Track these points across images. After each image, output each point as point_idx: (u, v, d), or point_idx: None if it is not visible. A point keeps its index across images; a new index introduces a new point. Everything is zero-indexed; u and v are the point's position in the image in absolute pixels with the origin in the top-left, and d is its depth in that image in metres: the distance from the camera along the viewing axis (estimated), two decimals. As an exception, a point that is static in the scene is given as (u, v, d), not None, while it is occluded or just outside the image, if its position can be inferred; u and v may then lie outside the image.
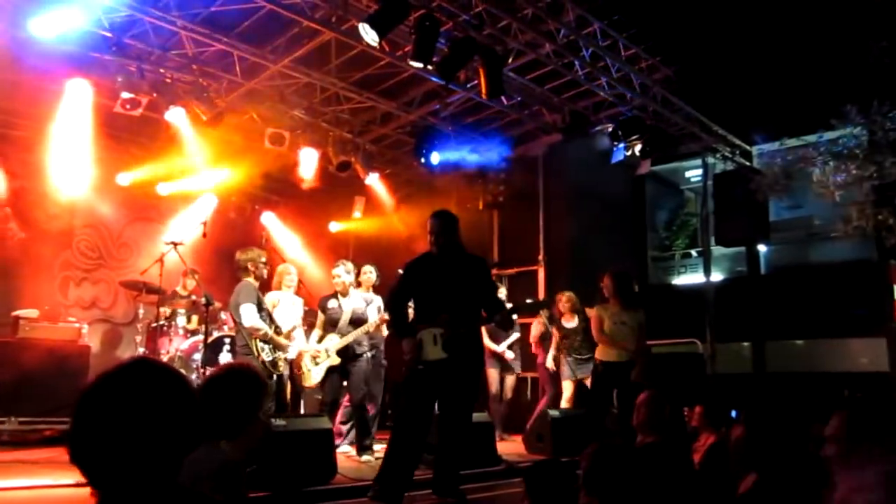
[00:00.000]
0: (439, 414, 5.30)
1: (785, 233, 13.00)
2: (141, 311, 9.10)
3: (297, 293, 7.66)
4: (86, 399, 1.44)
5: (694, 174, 14.83)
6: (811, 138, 9.42)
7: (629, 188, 12.64)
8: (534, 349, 8.92)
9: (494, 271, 11.00)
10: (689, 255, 15.62)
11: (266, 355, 6.22)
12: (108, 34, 7.60)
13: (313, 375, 7.40)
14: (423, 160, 9.91)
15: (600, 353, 7.07)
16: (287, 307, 7.33)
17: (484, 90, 7.85)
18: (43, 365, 7.65)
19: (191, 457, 1.48)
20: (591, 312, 7.46)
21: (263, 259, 6.59)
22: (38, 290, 9.30)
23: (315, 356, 7.34)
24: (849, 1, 8.60)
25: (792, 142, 9.47)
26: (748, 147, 11.24)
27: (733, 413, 5.80)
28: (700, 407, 5.19)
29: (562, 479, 2.50)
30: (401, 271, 5.54)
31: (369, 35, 6.84)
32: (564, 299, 8.47)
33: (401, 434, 5.09)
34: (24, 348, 7.75)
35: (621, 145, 9.56)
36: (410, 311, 5.59)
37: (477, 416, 6.17)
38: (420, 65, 7.33)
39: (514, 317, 6.83)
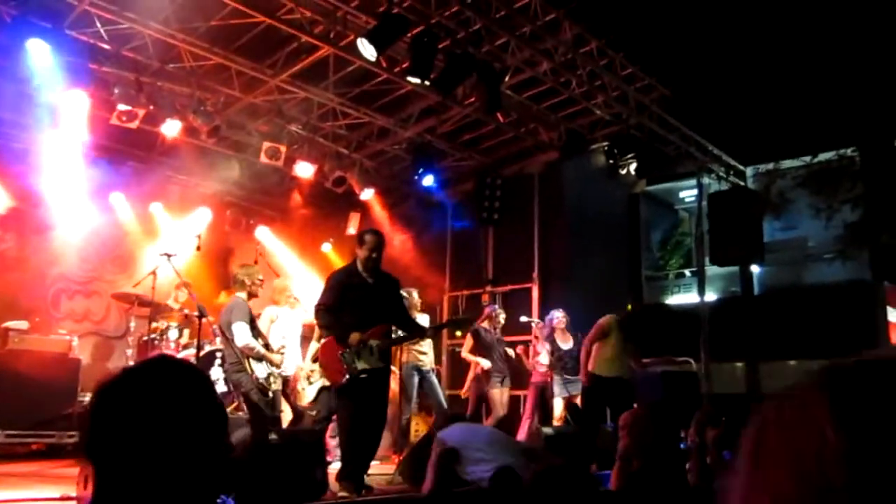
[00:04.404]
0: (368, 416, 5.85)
1: (779, 253, 13.02)
2: (133, 324, 9.02)
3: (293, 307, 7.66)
4: (108, 390, 1.40)
5: (688, 194, 14.86)
6: (806, 159, 9.47)
7: (624, 207, 12.66)
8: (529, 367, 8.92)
9: (488, 288, 11.00)
10: (683, 275, 15.64)
11: (260, 372, 6.16)
12: (107, 46, 7.61)
13: (307, 394, 7.38)
14: (417, 180, 9.95)
15: (593, 366, 6.98)
16: (285, 322, 7.29)
17: (481, 106, 7.87)
18: (32, 378, 7.55)
19: None
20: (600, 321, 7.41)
21: (260, 277, 6.57)
22: (30, 302, 9.23)
23: (309, 375, 7.32)
24: (844, 22, 8.69)
25: (787, 162, 9.51)
26: (742, 167, 11.29)
27: None
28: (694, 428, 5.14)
29: (569, 487, 2.45)
30: (325, 280, 6.11)
31: (367, 50, 6.87)
32: (562, 318, 8.48)
33: (357, 434, 5.67)
34: (12, 360, 7.65)
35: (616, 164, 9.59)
36: None
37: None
38: (418, 80, 7.35)
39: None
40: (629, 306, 7.57)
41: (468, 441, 4.99)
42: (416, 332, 6.34)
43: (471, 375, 8.80)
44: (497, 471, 4.49)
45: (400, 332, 6.17)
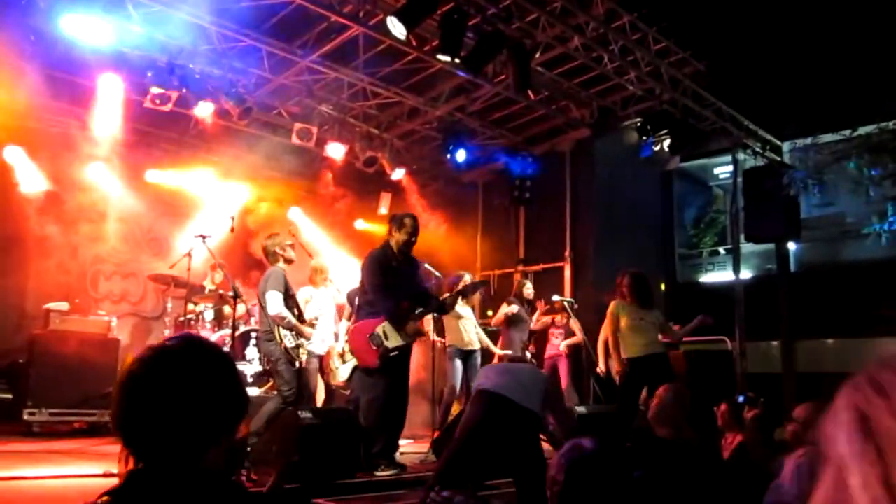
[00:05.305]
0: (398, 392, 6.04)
1: (816, 230, 12.78)
2: (169, 306, 9.17)
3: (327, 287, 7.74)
4: (140, 367, 1.44)
5: (723, 171, 14.63)
6: (845, 132, 9.22)
7: (657, 185, 12.53)
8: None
9: (520, 267, 10.98)
10: (717, 253, 15.43)
11: (289, 342, 6.15)
12: (139, 29, 7.66)
13: (340, 373, 7.44)
14: (449, 157, 9.90)
15: (625, 351, 6.84)
16: (319, 302, 7.34)
17: (512, 84, 7.80)
18: (73, 357, 7.72)
19: None
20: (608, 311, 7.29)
21: (289, 242, 6.51)
22: (70, 284, 9.41)
23: (342, 354, 7.37)
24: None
25: (825, 136, 9.27)
26: (779, 142, 11.06)
27: (740, 398, 5.68)
28: (725, 405, 5.08)
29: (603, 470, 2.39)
30: (367, 263, 6.16)
31: (397, 28, 6.82)
32: None
33: (390, 411, 5.86)
34: (54, 341, 7.82)
35: (650, 140, 9.44)
36: None
37: None
38: (447, 58, 7.28)
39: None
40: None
41: (482, 375, 4.97)
42: (437, 308, 6.45)
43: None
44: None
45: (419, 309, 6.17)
